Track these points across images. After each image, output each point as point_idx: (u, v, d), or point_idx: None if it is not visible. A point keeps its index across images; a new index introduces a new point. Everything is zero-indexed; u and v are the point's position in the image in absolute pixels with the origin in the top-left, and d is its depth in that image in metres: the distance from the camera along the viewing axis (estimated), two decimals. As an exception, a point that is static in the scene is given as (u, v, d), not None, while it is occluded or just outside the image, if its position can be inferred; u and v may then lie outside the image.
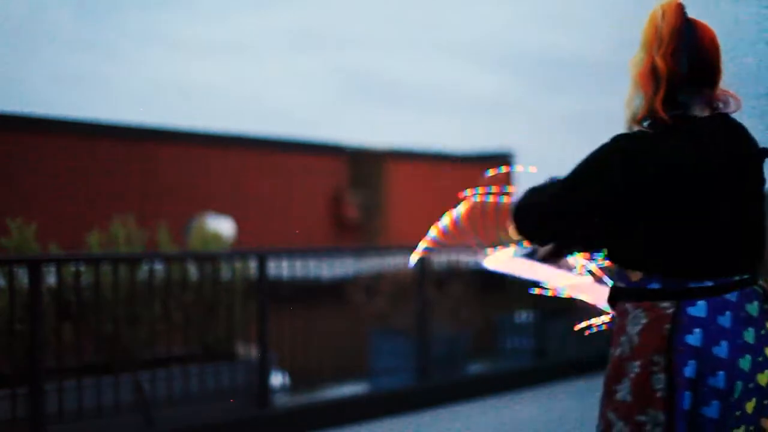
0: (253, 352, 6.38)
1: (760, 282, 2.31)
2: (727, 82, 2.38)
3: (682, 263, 2.25)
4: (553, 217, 2.38)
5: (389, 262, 8.30)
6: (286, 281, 6.61)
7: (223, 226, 8.62)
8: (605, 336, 8.77)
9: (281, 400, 6.57)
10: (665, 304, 2.24)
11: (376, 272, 8.34)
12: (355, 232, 14.38)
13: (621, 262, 2.35)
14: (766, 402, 2.24)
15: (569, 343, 8.76)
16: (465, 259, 8.27)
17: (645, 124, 2.31)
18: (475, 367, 8.24)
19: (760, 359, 2.23)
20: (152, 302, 5.82)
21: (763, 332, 2.25)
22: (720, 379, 2.19)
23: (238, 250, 7.20)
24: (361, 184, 14.56)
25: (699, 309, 2.22)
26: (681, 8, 2.30)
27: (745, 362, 2.21)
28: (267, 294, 6.27)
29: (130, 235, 6.16)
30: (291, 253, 6.86)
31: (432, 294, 7.57)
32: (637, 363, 2.25)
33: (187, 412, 5.85)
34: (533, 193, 2.42)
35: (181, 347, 6.16)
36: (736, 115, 2.38)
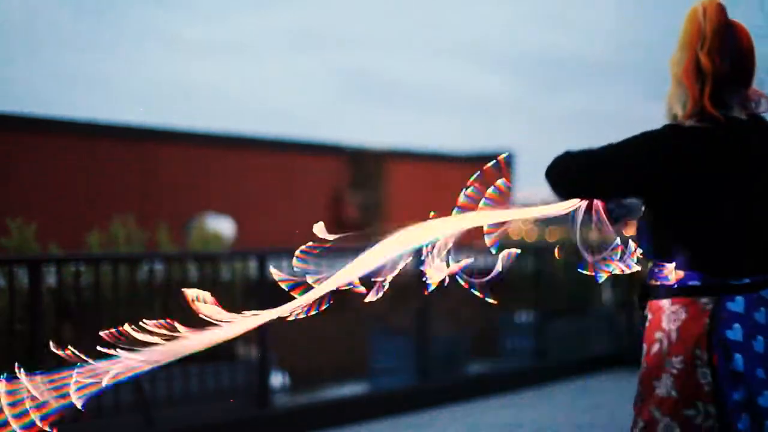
0: (253, 352, 6.37)
1: None
2: None
3: (722, 261, 2.29)
4: (599, 168, 2.37)
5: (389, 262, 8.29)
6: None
7: (223, 226, 8.62)
8: (605, 336, 8.77)
9: (281, 400, 6.57)
10: (704, 300, 2.28)
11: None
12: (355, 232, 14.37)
13: (659, 257, 2.37)
14: None
15: (569, 343, 8.77)
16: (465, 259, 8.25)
17: (689, 122, 2.32)
18: (475, 367, 8.23)
19: None
20: (152, 302, 5.82)
21: None
22: (761, 372, 2.25)
23: (238, 250, 7.20)
24: (361, 184, 14.56)
25: (738, 305, 2.27)
26: (722, 7, 2.33)
27: None
28: (267, 294, 6.27)
29: (130, 235, 6.17)
30: (291, 253, 6.85)
31: (432, 294, 7.56)
32: (679, 358, 2.28)
33: (187, 412, 5.85)
34: (574, 152, 2.42)
35: (181, 347, 6.14)
36: None
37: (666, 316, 2.32)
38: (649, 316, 2.38)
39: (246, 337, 6.47)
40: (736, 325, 2.26)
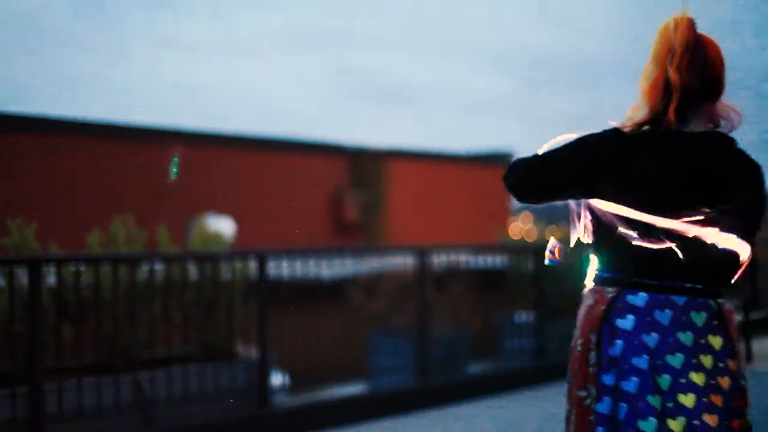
0: (253, 352, 6.38)
1: (719, 300, 2.41)
2: None
3: (629, 261, 2.39)
4: (544, 170, 2.46)
5: (389, 262, 8.31)
6: (286, 281, 6.61)
7: (223, 226, 8.61)
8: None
9: (281, 400, 6.57)
10: (610, 289, 2.40)
11: (376, 272, 8.34)
12: (355, 232, 14.38)
13: (593, 250, 2.51)
14: (705, 400, 2.31)
15: (569, 343, 8.76)
16: (465, 259, 8.27)
17: (633, 128, 2.40)
18: (475, 367, 8.23)
19: (695, 361, 2.33)
20: (152, 302, 5.82)
21: (702, 341, 2.35)
22: (644, 361, 2.32)
23: (238, 250, 7.20)
24: (361, 184, 14.56)
25: (638, 299, 2.36)
26: (693, 23, 2.37)
27: (675, 359, 2.32)
28: (267, 294, 6.27)
29: (130, 235, 6.17)
30: (291, 253, 6.86)
31: (432, 294, 7.57)
32: (580, 341, 2.45)
33: (187, 412, 5.85)
34: (526, 156, 2.52)
35: (181, 347, 6.16)
36: None
37: (582, 302, 2.49)
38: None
39: (246, 337, 6.48)
40: (630, 316, 2.35)
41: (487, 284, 8.34)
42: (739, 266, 2.44)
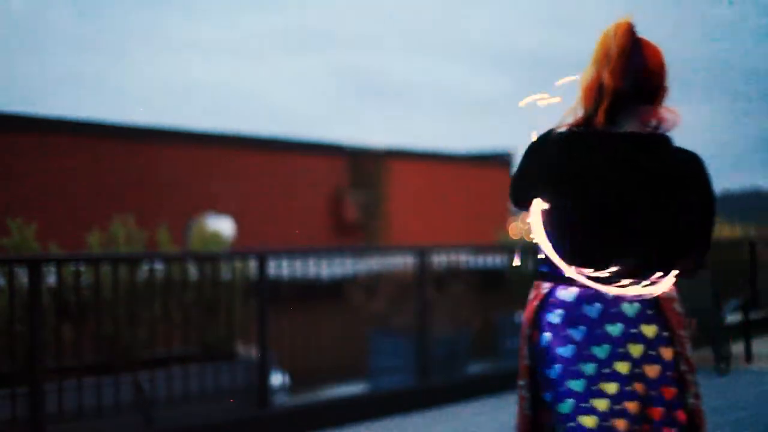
0: (253, 352, 6.38)
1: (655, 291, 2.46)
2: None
3: (563, 254, 2.47)
4: (514, 182, 2.61)
5: (389, 262, 8.31)
6: (286, 281, 6.61)
7: (223, 226, 8.61)
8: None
9: (281, 400, 6.57)
10: (545, 285, 2.54)
11: (376, 272, 8.34)
12: (355, 232, 14.38)
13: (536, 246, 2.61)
14: (629, 388, 2.40)
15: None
16: (465, 259, 8.27)
17: (564, 129, 2.50)
18: (475, 367, 8.23)
19: (621, 350, 2.42)
20: (152, 302, 5.82)
21: (634, 331, 2.43)
22: (569, 350, 2.45)
23: (238, 250, 7.20)
24: (361, 184, 14.56)
25: (568, 294, 2.47)
26: (631, 28, 2.45)
27: (601, 350, 2.42)
28: (267, 294, 6.27)
29: (130, 235, 6.17)
30: (291, 253, 6.86)
31: (432, 294, 7.57)
32: (522, 334, 2.61)
33: (187, 412, 5.85)
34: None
35: (181, 347, 6.16)
36: None
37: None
38: None
39: (246, 337, 6.48)
40: (559, 311, 2.48)
41: (487, 284, 8.34)
42: (681, 261, 2.47)
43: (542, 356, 2.50)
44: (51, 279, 5.44)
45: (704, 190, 2.47)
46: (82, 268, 5.54)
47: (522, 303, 8.66)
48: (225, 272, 6.32)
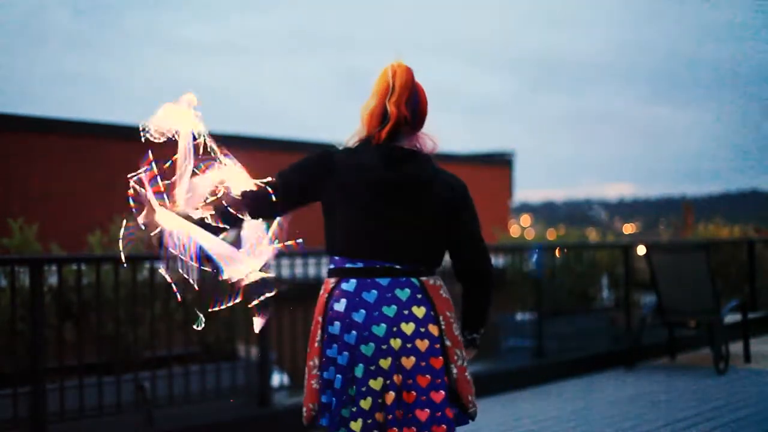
0: (254, 352, 6.39)
1: (422, 278, 2.99)
2: None
3: (340, 248, 3.00)
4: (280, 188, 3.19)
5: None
6: (286, 281, 6.62)
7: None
8: (604, 336, 8.77)
9: (281, 400, 6.58)
10: (332, 280, 3.02)
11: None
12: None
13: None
14: (399, 362, 2.89)
15: (569, 343, 8.78)
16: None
17: (353, 145, 3.04)
18: (475, 367, 8.25)
19: (395, 329, 2.89)
20: (153, 302, 5.84)
21: (406, 312, 2.92)
22: (353, 336, 2.89)
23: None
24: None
25: (350, 285, 2.95)
26: (411, 71, 3.05)
27: (379, 329, 2.89)
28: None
29: (131, 235, 6.17)
30: (290, 252, 6.86)
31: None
32: (313, 323, 3.02)
33: (188, 411, 5.87)
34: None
35: (181, 347, 6.17)
36: None
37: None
38: None
39: (246, 337, 6.50)
40: (343, 300, 2.94)
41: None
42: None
43: (333, 341, 2.94)
44: (52, 279, 5.46)
45: (438, 197, 3.06)
46: (84, 268, 5.56)
47: (522, 303, 8.59)
48: (225, 272, 6.32)
